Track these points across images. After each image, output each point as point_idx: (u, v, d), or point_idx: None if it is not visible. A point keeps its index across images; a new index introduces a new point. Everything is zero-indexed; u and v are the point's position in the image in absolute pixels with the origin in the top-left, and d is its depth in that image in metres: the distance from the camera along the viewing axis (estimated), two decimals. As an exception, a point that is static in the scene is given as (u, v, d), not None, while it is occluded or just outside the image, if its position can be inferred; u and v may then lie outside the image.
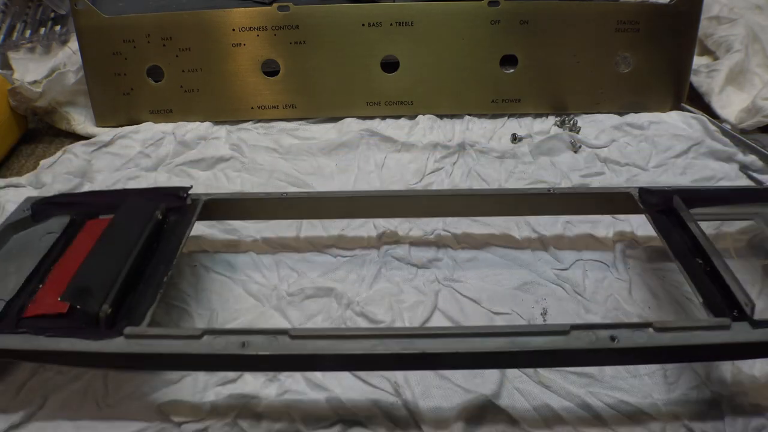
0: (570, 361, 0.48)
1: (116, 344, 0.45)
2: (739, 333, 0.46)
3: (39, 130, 0.89)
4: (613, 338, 0.46)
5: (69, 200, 0.62)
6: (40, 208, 0.60)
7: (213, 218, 0.66)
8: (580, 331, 0.46)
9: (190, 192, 0.62)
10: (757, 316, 0.47)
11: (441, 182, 0.75)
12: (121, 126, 0.84)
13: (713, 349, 0.47)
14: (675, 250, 0.55)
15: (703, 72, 0.89)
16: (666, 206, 0.61)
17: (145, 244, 0.55)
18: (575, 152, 0.79)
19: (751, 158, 0.76)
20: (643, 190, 0.63)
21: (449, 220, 0.69)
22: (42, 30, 0.96)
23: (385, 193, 0.69)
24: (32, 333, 0.46)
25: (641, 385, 0.53)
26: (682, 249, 0.56)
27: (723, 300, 0.49)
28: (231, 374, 0.53)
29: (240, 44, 0.81)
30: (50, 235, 0.58)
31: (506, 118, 0.85)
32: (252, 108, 0.84)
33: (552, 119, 0.85)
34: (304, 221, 0.70)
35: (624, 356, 0.47)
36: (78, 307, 0.46)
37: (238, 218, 0.69)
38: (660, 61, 0.84)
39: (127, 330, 0.45)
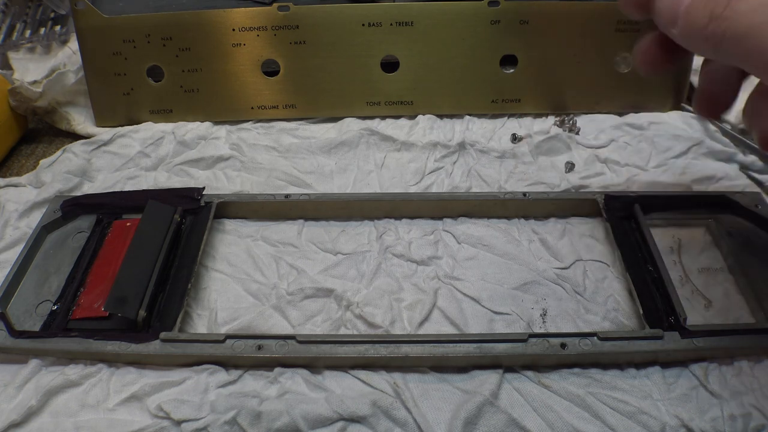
0: (529, 364, 0.54)
1: (154, 347, 0.53)
2: (669, 342, 0.53)
3: (39, 130, 0.89)
4: (563, 345, 0.52)
5: (94, 201, 0.68)
6: (69, 208, 0.67)
7: (222, 218, 0.70)
8: (536, 339, 0.52)
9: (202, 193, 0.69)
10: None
11: (441, 182, 0.75)
12: (122, 126, 0.84)
13: (647, 355, 0.53)
14: (628, 259, 0.61)
15: (703, 72, 0.89)
16: (628, 212, 0.64)
17: (169, 248, 0.61)
18: (575, 152, 0.79)
19: (752, 158, 0.76)
20: (608, 197, 0.65)
21: (449, 220, 0.69)
22: (42, 30, 0.96)
23: (386, 196, 0.70)
24: (83, 337, 0.53)
25: (641, 385, 0.53)
26: (636, 257, 0.61)
27: (662, 309, 0.56)
28: (232, 375, 0.54)
29: (240, 44, 0.81)
30: (81, 234, 0.65)
31: (506, 118, 0.85)
32: (252, 108, 0.84)
33: (552, 119, 0.85)
34: (304, 221, 0.70)
35: (573, 361, 0.54)
36: (119, 314, 0.54)
37: (245, 218, 0.70)
38: (660, 61, 0.84)
39: (163, 335, 0.53)
